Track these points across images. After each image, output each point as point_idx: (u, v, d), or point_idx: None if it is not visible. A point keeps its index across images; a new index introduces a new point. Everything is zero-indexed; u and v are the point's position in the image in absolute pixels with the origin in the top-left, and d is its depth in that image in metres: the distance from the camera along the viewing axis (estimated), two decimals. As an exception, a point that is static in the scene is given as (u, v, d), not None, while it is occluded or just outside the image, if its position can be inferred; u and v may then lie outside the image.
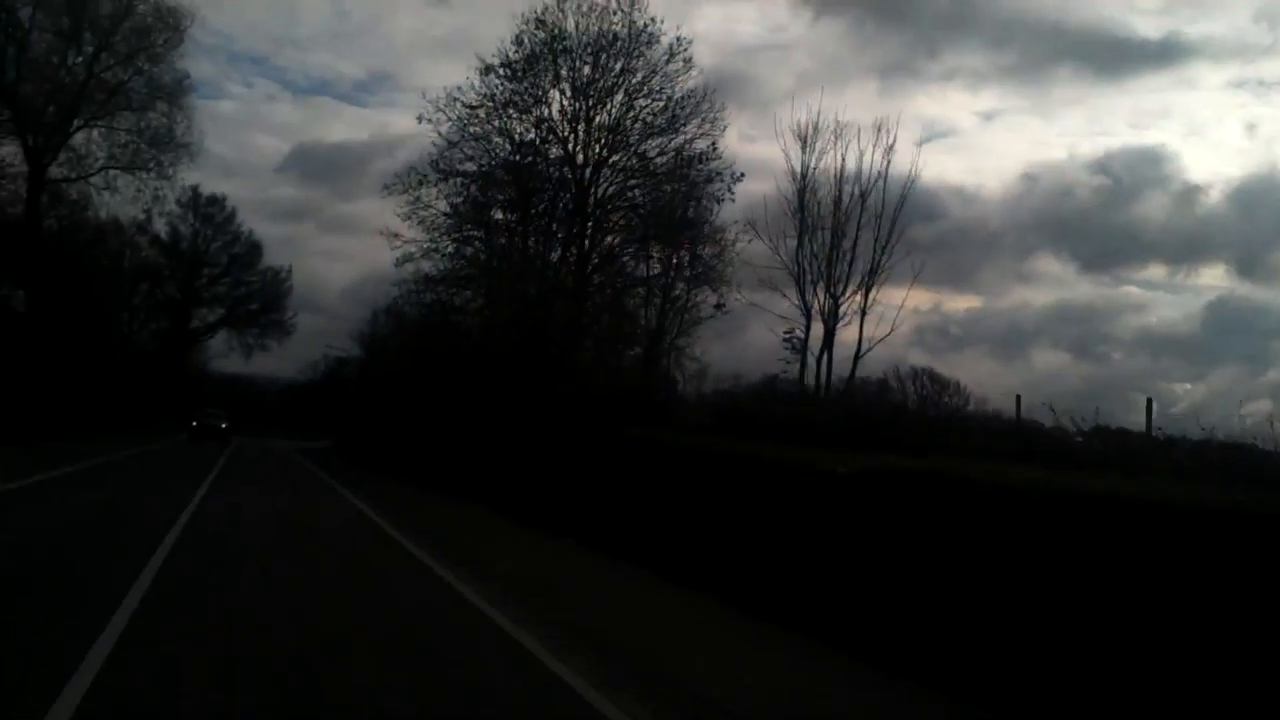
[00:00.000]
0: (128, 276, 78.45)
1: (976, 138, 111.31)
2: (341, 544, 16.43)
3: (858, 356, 28.24)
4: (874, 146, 30.20)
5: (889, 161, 29.65)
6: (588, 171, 35.94)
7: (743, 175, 34.90)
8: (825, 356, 28.41)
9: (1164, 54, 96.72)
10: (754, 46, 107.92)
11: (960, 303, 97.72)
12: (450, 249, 36.38)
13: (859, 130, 31.54)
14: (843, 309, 28.64)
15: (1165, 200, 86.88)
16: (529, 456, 25.68)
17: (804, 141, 30.39)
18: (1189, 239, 73.39)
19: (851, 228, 29.18)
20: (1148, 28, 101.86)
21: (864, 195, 29.34)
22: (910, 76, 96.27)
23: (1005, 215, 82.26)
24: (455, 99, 35.12)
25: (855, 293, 28.69)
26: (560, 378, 30.36)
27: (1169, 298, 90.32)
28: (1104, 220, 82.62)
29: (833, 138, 30.15)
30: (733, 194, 33.72)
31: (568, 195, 36.29)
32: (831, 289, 28.45)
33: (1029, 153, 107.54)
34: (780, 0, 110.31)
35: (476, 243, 36.71)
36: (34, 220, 47.83)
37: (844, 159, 29.69)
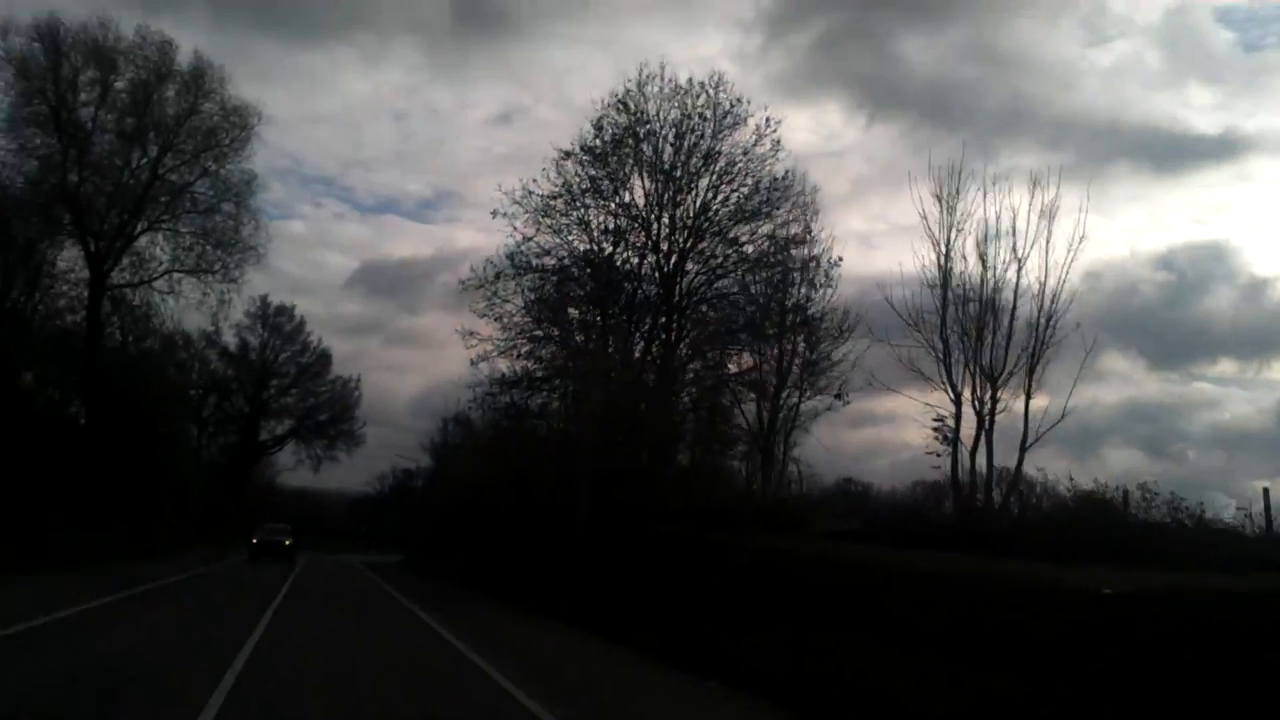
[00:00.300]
0: (197, 389, 78.11)
1: (1036, 237, 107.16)
2: (427, 690, 12.48)
3: (1023, 449, 24.02)
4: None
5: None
6: (672, 260, 33.89)
7: (841, 259, 31.87)
8: (981, 446, 24.16)
9: (1222, 149, 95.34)
10: (809, 154, 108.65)
11: (1034, 404, 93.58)
12: (525, 349, 34.39)
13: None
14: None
15: (1232, 295, 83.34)
16: (629, 569, 22.22)
17: (942, 202, 26.92)
18: (1258, 333, 70.06)
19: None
20: (1204, 123, 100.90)
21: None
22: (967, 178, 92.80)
23: (1069, 313, 77.91)
24: (531, 192, 33.43)
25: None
26: (654, 483, 27.49)
27: (1241, 393, 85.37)
28: (1170, 316, 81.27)
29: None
30: (831, 281, 30.28)
31: (652, 287, 34.36)
32: (988, 372, 24.31)
33: (1090, 250, 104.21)
34: (833, 107, 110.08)
35: (552, 343, 34.75)
36: (95, 328, 45.60)
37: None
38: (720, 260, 34.03)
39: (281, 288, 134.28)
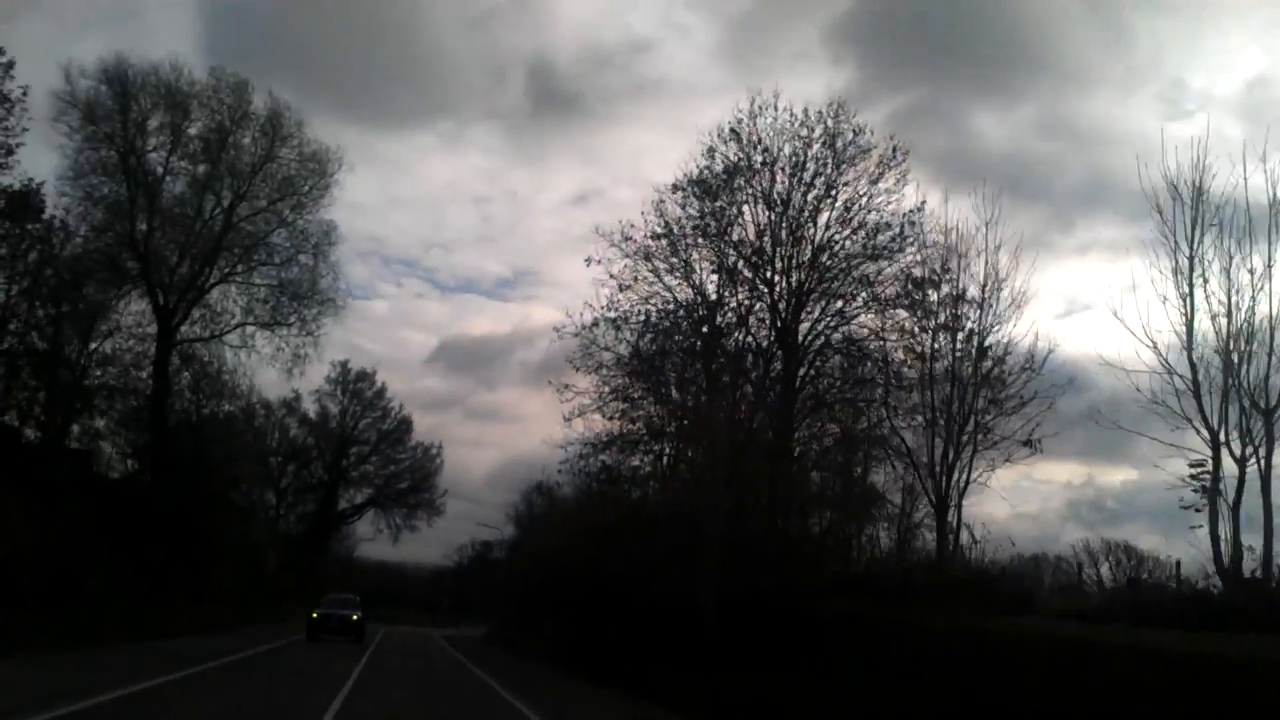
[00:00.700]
0: (277, 457, 76.77)
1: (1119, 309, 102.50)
2: None
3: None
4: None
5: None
6: (791, 303, 30.64)
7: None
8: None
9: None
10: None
11: (1115, 475, 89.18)
12: (621, 407, 31.59)
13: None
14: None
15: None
16: (779, 654, 17.89)
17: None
18: None
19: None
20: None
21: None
22: (1045, 250, 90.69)
23: (1156, 384, 72.16)
24: (629, 237, 30.84)
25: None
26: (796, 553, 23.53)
27: None
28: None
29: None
30: (1017, 303, 25.65)
31: (766, 333, 31.33)
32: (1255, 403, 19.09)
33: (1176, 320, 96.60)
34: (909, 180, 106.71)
35: (651, 402, 32.07)
36: (162, 385, 42.64)
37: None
38: (847, 300, 30.65)
39: (366, 366, 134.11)
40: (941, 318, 27.16)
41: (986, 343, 25.23)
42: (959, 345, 25.67)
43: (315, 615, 40.14)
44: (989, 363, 24.94)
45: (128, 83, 41.43)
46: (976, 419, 24.60)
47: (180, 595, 37.59)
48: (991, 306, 25.42)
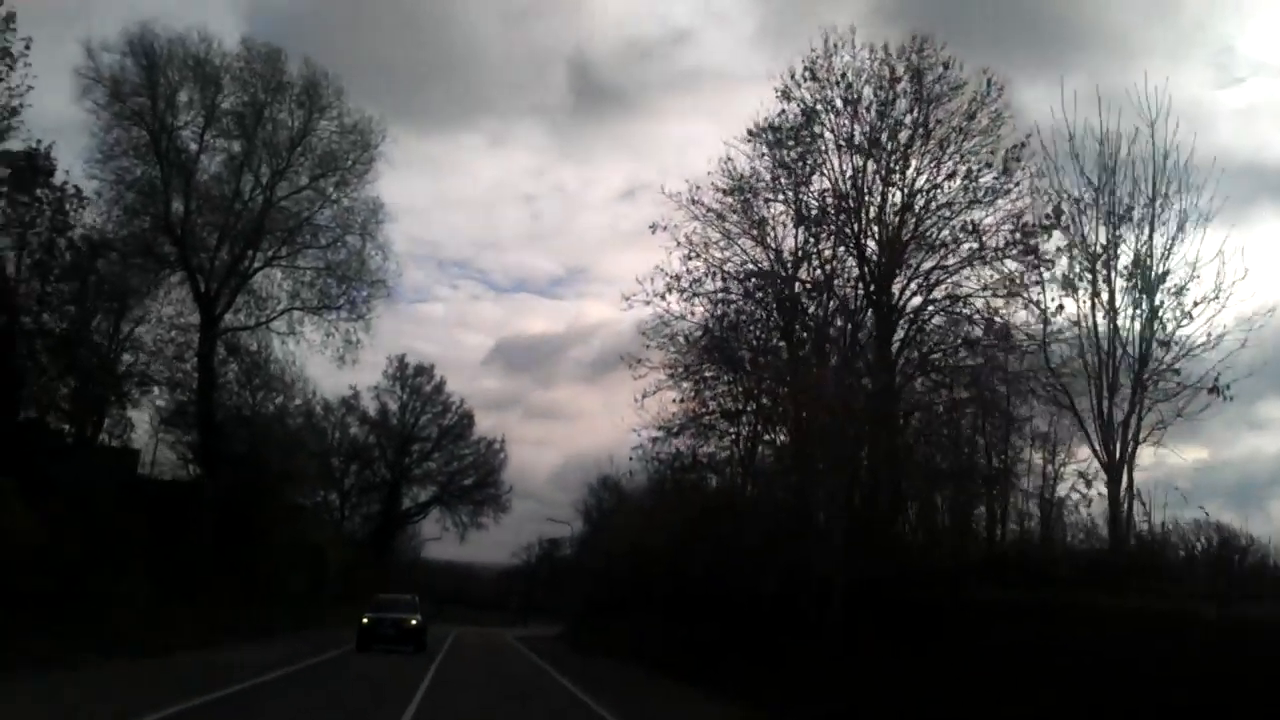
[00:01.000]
0: (339, 458, 75.40)
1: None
2: None
3: None
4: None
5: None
6: (883, 258, 28.31)
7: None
8: None
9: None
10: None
11: (1186, 454, 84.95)
12: (694, 389, 29.65)
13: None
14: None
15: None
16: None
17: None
18: None
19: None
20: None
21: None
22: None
23: (1226, 362, 67.44)
24: (696, 199, 28.98)
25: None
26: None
27: None
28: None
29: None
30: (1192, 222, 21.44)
31: (853, 290, 28.84)
32: None
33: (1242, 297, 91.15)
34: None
35: (724, 381, 30.00)
36: (207, 377, 39.86)
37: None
38: (947, 251, 27.82)
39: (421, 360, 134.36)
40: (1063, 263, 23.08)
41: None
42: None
43: (365, 621, 32.63)
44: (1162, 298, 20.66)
45: (154, 55, 38.54)
46: (1144, 364, 20.43)
47: (233, 599, 34.75)
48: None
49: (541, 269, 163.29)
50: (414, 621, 33.28)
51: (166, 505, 34.28)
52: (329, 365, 46.88)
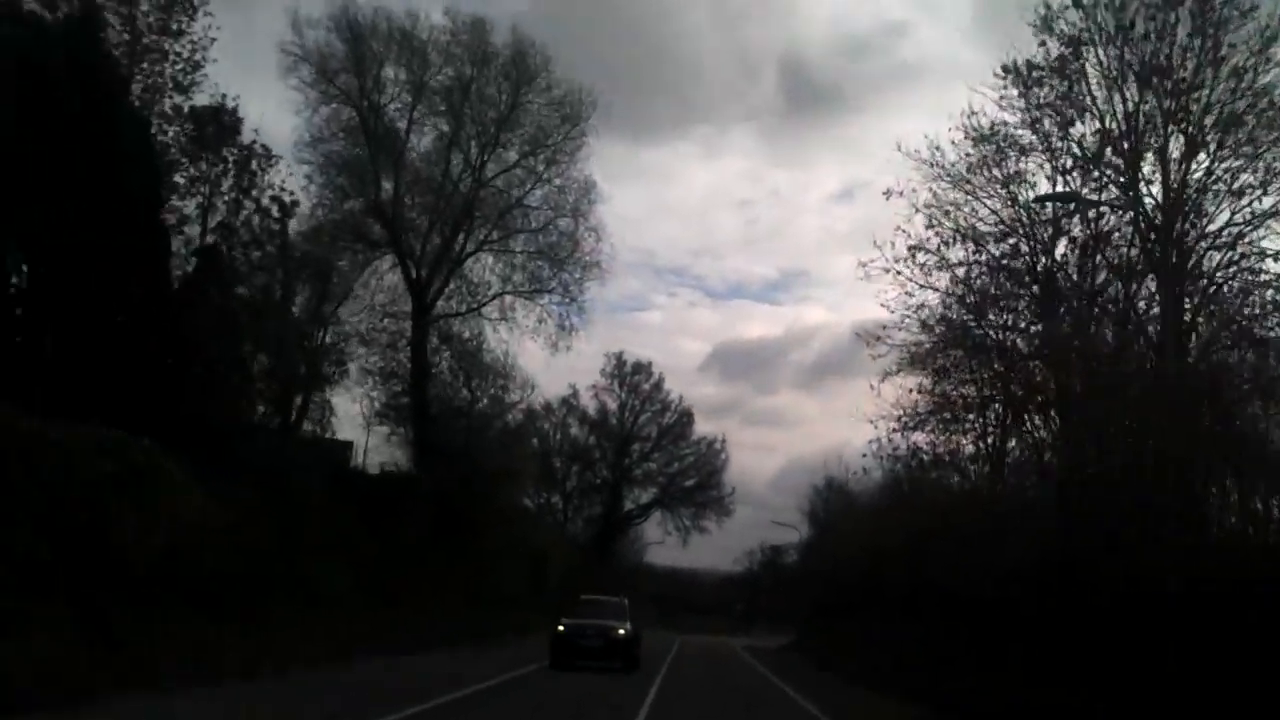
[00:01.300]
0: (561, 459, 75.15)
1: None
2: None
3: None
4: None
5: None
6: (1168, 206, 23.10)
7: None
8: None
9: None
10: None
11: None
12: (935, 374, 26.13)
13: None
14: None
15: None
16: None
17: None
18: None
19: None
20: None
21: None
22: None
23: None
24: (936, 162, 24.97)
25: None
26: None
27: None
28: None
29: None
30: None
31: (1129, 250, 24.43)
32: None
33: None
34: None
35: (966, 370, 26.34)
36: (421, 368, 38.09)
37: None
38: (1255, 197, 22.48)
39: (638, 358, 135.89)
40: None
41: None
42: None
43: (560, 629, 25.69)
44: None
45: (359, 30, 37.05)
46: None
47: (447, 602, 32.44)
48: None
49: (758, 274, 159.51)
50: (622, 631, 26.01)
51: (378, 500, 32.38)
52: (543, 364, 44.67)
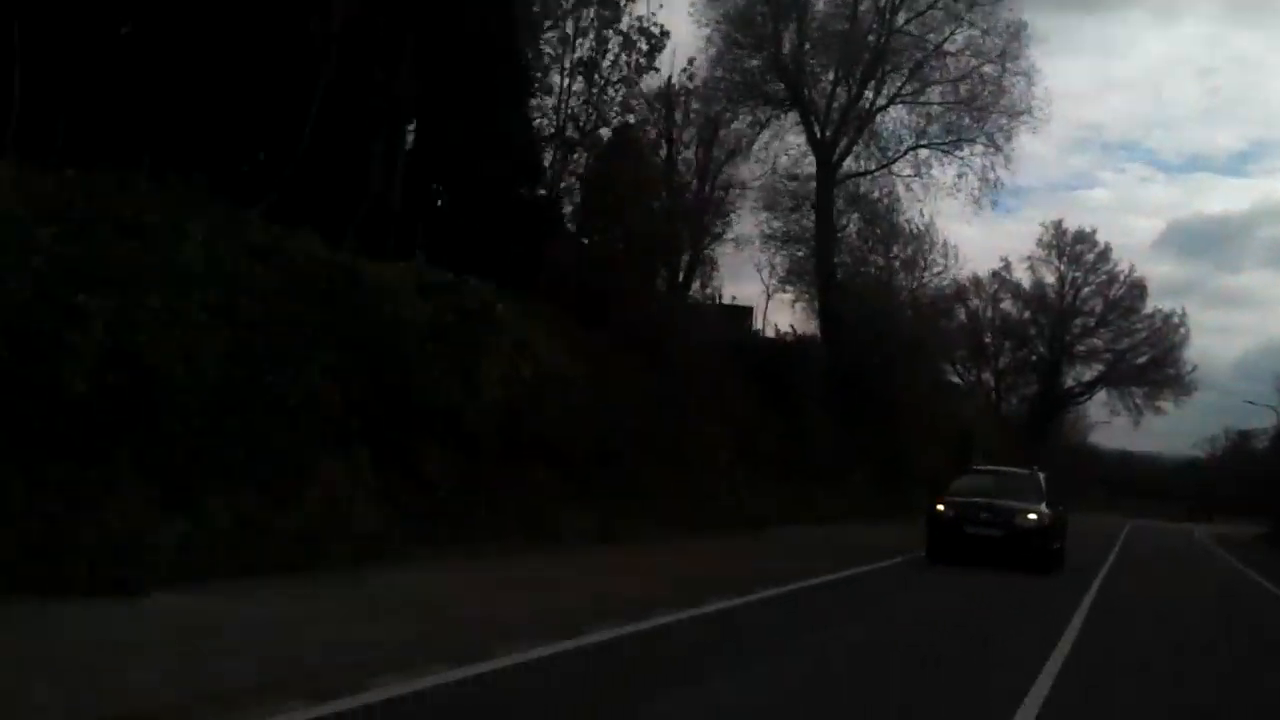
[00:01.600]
0: (993, 335, 71.59)
1: None
2: None
3: None
4: None
5: None
6: None
7: None
8: None
9: None
10: None
11: None
12: None
13: None
14: None
15: None
16: None
17: None
18: None
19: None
20: None
21: None
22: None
23: None
24: None
25: None
26: None
27: None
28: None
29: None
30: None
31: None
32: None
33: None
34: None
35: None
36: (826, 231, 36.01)
37: None
38: None
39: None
40: None
41: None
42: None
43: (940, 508, 18.93)
44: None
45: None
46: None
47: (852, 479, 30.86)
48: None
49: (1220, 145, 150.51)
50: (1033, 515, 18.50)
51: (779, 368, 31.11)
52: (970, 241, 41.01)
